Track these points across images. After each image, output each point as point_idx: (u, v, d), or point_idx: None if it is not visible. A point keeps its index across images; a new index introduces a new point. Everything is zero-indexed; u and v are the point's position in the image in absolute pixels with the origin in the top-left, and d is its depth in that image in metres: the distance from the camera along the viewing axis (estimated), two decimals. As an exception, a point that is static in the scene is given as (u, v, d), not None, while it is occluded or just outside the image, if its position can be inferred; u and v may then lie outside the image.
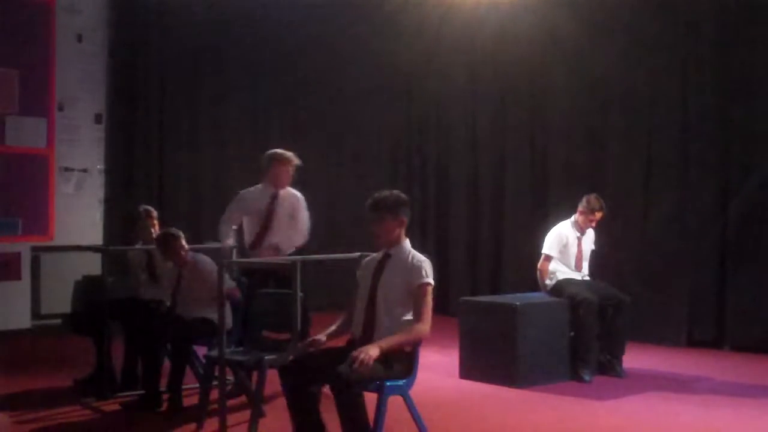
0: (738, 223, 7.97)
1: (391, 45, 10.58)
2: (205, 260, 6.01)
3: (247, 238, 6.60)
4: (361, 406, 4.09)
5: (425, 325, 4.34)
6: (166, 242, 5.96)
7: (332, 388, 4.05)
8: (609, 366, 6.81)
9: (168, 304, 6.12)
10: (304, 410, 4.25)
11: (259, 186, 6.61)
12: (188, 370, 5.78)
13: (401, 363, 4.34)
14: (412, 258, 4.47)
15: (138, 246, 6.72)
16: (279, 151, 6.56)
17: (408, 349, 4.39)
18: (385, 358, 4.17)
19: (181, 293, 5.97)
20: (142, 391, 5.86)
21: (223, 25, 10.19)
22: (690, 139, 8.28)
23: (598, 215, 7.03)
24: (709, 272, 8.10)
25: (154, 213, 6.82)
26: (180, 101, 10.16)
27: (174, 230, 6.05)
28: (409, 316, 4.37)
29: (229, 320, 5.68)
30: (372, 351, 4.04)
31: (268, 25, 10.43)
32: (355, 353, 4.01)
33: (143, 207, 6.88)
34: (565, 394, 6.20)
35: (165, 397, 5.68)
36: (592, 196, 7.05)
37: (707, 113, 8.17)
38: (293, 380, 4.23)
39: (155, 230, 6.61)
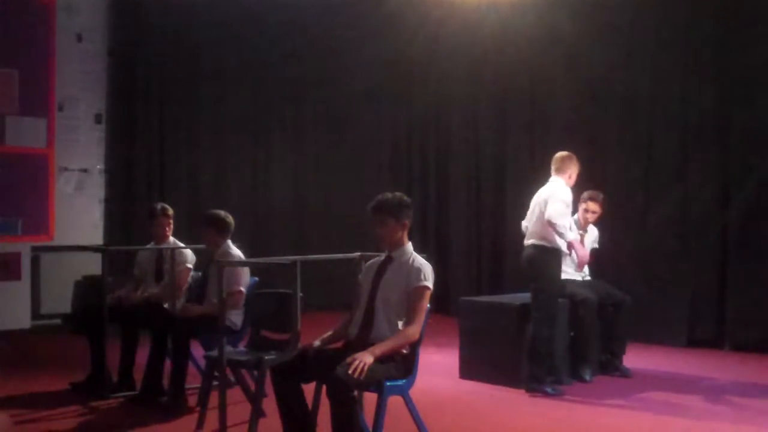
0: (738, 223, 7.97)
1: (391, 45, 10.59)
2: (237, 253, 5.93)
3: None
4: (354, 409, 4.08)
5: (415, 327, 4.33)
6: (217, 222, 5.90)
7: (328, 390, 4.05)
8: (609, 365, 6.82)
9: (170, 305, 6.12)
10: (295, 410, 4.25)
11: None
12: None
13: (400, 363, 4.34)
14: (413, 261, 4.47)
15: (150, 246, 6.60)
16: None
17: (405, 351, 4.38)
18: (383, 358, 4.17)
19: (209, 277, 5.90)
20: (139, 391, 5.87)
21: (223, 25, 10.19)
22: (690, 139, 8.28)
23: (592, 205, 7.02)
24: (709, 272, 8.11)
25: (170, 211, 6.54)
26: (180, 101, 10.16)
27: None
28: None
29: (238, 321, 5.69)
30: (367, 358, 4.03)
31: (268, 26, 10.44)
32: (349, 359, 4.01)
33: (160, 204, 6.61)
34: (565, 394, 6.20)
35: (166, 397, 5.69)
36: (588, 190, 7.08)
37: (707, 113, 8.17)
38: (285, 379, 4.23)
39: (169, 229, 6.50)
